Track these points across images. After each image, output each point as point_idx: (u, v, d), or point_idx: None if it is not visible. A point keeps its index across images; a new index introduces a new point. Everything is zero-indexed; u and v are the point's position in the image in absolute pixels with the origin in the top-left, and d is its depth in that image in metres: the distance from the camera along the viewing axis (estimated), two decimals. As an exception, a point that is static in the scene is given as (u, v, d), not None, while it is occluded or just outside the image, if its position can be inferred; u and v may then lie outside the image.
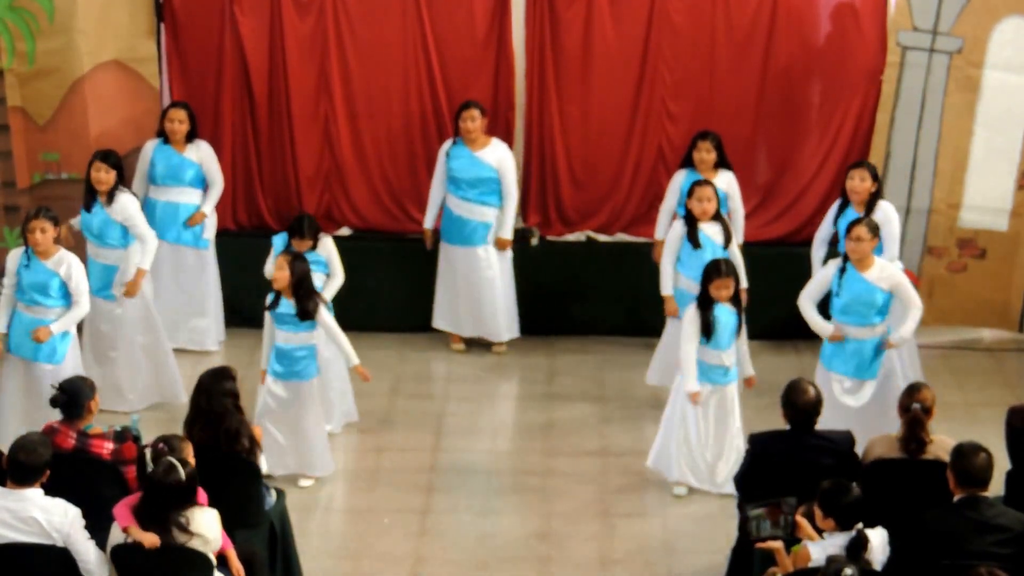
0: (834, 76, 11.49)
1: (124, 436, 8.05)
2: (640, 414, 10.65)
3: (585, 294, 11.84)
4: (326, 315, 9.39)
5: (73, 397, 8.09)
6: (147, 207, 10.98)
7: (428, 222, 11.41)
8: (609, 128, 11.69)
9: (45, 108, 11.23)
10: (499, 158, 11.17)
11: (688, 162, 10.95)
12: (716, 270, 9.35)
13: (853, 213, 10.14)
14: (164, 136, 11.12)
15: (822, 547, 7.07)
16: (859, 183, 10.15)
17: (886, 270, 9.49)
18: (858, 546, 6.99)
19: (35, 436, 7.48)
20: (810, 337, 11.34)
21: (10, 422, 9.45)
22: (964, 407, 10.64)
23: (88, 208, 10.36)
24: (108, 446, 7.99)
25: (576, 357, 11.63)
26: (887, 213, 10.17)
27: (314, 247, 10.19)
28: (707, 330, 9.31)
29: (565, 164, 11.78)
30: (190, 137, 11.12)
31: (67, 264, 9.50)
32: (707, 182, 10.30)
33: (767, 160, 11.78)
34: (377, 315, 11.76)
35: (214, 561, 7.19)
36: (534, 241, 11.82)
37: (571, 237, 11.95)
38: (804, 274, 11.49)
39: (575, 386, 11.18)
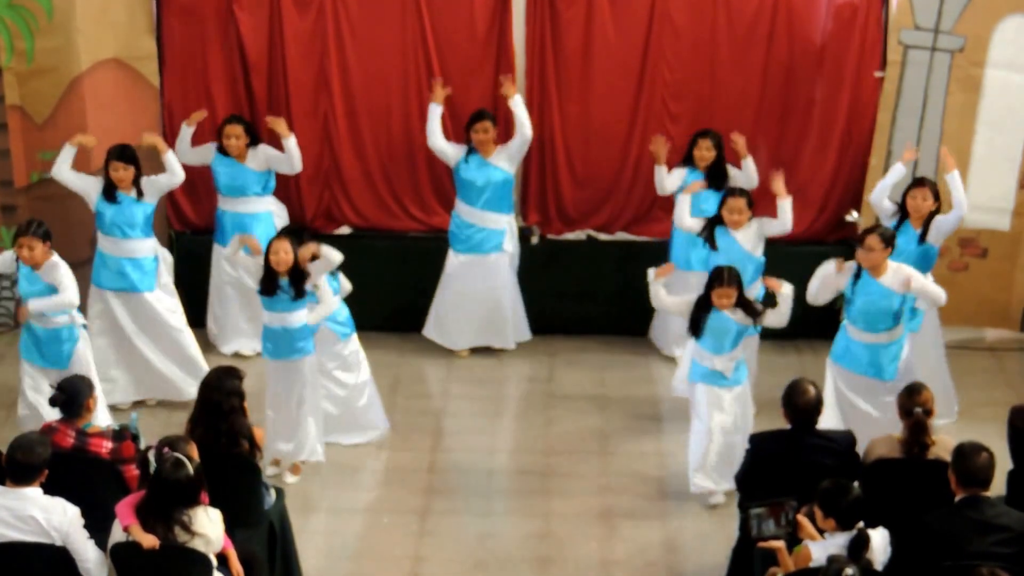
0: (835, 75, 11.48)
1: (123, 435, 8.04)
2: (640, 414, 10.64)
3: (585, 293, 11.82)
4: (324, 287, 9.51)
5: (72, 396, 8.08)
6: (217, 217, 11.25)
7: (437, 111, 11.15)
8: (610, 127, 11.67)
9: (43, 106, 11.22)
10: (505, 149, 11.19)
11: (688, 160, 10.97)
12: (719, 278, 9.24)
13: (911, 229, 10.05)
14: (222, 148, 11.12)
15: (823, 547, 7.05)
16: (921, 202, 10.02)
17: (900, 272, 9.37)
18: (859, 546, 6.97)
19: (33, 435, 7.48)
20: (811, 337, 11.37)
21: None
22: (965, 406, 10.61)
23: (113, 199, 10.37)
24: (107, 445, 7.98)
25: (576, 357, 11.61)
26: (940, 227, 10.07)
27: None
28: (695, 329, 9.28)
29: (565, 163, 11.77)
30: (249, 144, 11.13)
31: (56, 270, 9.52)
32: (741, 192, 10.22)
33: (768, 159, 11.75)
34: (377, 314, 11.73)
35: (214, 561, 7.17)
36: (534, 240, 11.80)
37: (571, 236, 11.94)
38: (805, 274, 11.49)
39: (575, 386, 11.16)
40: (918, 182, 10.16)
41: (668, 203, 11.73)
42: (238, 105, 11.67)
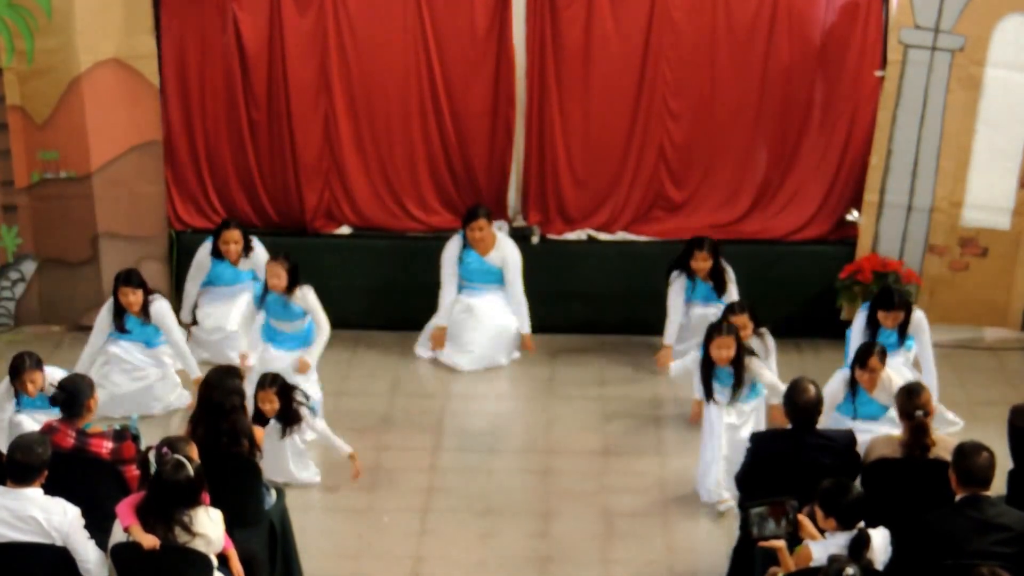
0: (835, 74, 11.47)
1: (123, 435, 8.03)
2: (640, 413, 10.63)
3: (585, 293, 11.81)
4: (317, 423, 9.47)
5: (72, 395, 8.07)
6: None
7: (442, 319, 11.27)
8: (610, 126, 11.66)
9: (44, 106, 11.21)
10: (503, 257, 11.23)
11: (686, 266, 10.89)
12: (717, 329, 9.24)
13: (889, 333, 9.99)
14: (217, 252, 11.12)
15: (824, 546, 7.04)
16: (892, 323, 9.94)
17: (890, 387, 9.16)
18: (860, 545, 6.96)
19: (33, 435, 7.48)
20: (812, 336, 11.36)
21: None
22: (966, 406, 10.60)
23: (122, 329, 10.31)
24: (107, 445, 7.97)
25: (577, 356, 11.60)
26: (920, 323, 10.05)
27: (291, 292, 10.18)
28: (709, 392, 9.28)
29: (566, 162, 11.75)
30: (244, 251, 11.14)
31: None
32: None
33: (768, 158, 11.76)
34: (377, 313, 11.74)
35: (215, 561, 7.16)
36: (535, 240, 11.79)
37: (572, 235, 11.92)
38: (805, 273, 11.49)
39: (575, 385, 11.15)
40: (886, 304, 9.94)
41: (668, 203, 11.76)
42: (238, 104, 11.66)
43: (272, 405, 9.20)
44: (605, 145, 11.72)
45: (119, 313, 10.30)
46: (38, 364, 9.21)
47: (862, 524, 7.07)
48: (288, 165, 11.78)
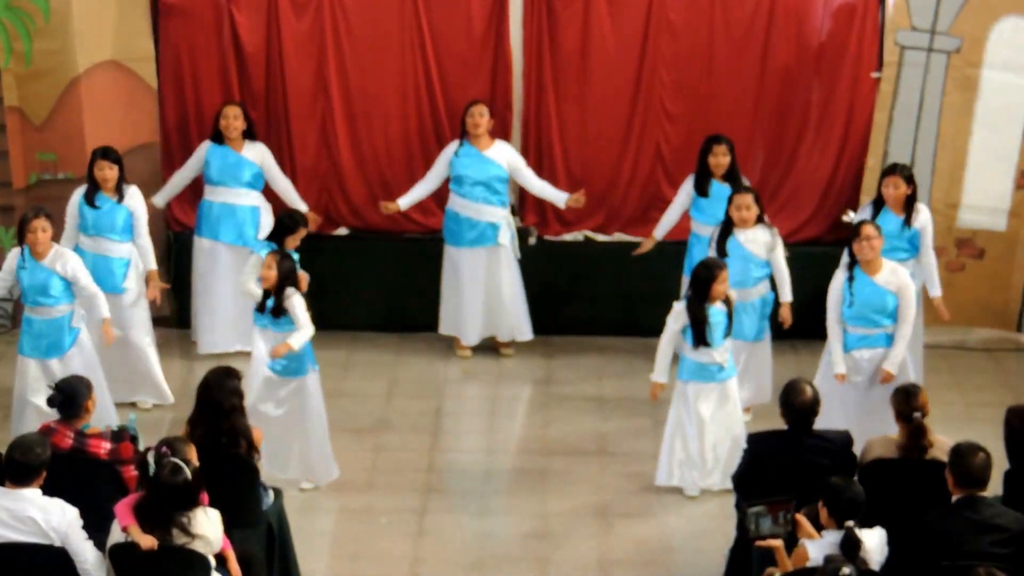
0: (832, 75, 11.50)
1: (121, 436, 8.03)
2: (638, 413, 10.65)
3: (583, 294, 11.83)
4: (296, 304, 9.27)
5: (70, 397, 8.07)
6: (202, 208, 11.21)
7: (404, 204, 11.32)
8: (607, 128, 11.68)
9: (41, 108, 11.22)
10: (507, 157, 11.20)
11: (703, 167, 10.87)
12: (713, 270, 9.25)
13: (892, 215, 10.04)
14: (218, 136, 11.09)
15: (820, 546, 7.05)
16: (893, 190, 9.99)
17: (896, 272, 9.39)
18: (850, 545, 6.95)
19: (33, 436, 7.47)
20: (809, 337, 11.36)
21: (32, 425, 9.34)
22: (962, 407, 10.64)
23: (92, 203, 10.35)
24: (105, 446, 7.98)
25: (574, 357, 11.62)
26: (925, 217, 10.13)
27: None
28: (701, 335, 9.28)
29: (563, 164, 11.77)
30: (246, 136, 11.11)
31: (63, 260, 9.53)
32: (748, 189, 10.26)
33: (765, 160, 11.78)
34: (374, 315, 11.75)
35: (213, 562, 7.17)
36: (532, 241, 11.81)
37: (569, 237, 11.94)
38: (802, 274, 11.50)
39: (573, 386, 11.17)
40: (890, 169, 10.17)
41: (665, 204, 11.75)
42: (235, 107, 11.69)
43: (271, 271, 9.11)
44: (602, 147, 11.74)
45: (92, 192, 10.33)
46: (47, 215, 9.48)
47: (850, 524, 7.03)
48: (286, 167, 11.77)
